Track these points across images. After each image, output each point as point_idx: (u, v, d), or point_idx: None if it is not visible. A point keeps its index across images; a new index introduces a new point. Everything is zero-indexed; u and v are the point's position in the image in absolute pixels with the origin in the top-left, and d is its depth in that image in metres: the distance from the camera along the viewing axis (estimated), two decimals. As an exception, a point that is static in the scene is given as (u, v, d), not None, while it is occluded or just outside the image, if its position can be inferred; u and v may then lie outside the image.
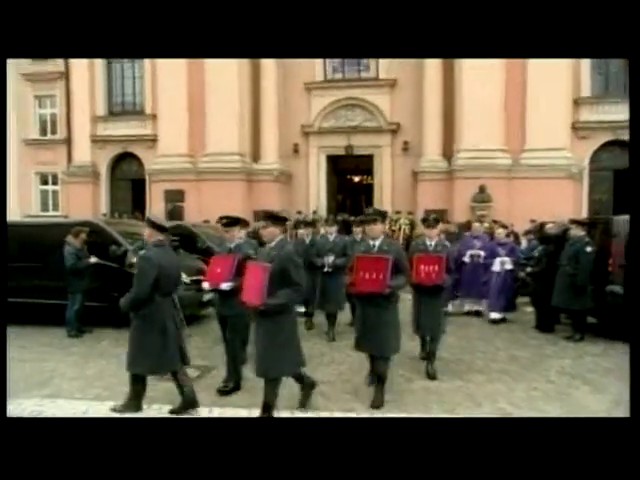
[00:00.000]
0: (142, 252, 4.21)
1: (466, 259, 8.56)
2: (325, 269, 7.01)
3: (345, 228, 10.40)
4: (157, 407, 4.28)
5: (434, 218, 5.69)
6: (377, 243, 4.43)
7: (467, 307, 8.77)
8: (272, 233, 3.88)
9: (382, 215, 4.78)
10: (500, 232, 8.62)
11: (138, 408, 4.16)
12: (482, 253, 8.44)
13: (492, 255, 8.30)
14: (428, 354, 5.44)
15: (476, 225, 9.34)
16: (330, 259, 6.98)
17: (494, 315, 8.11)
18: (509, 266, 8.19)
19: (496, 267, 8.19)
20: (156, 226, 4.16)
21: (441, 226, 6.67)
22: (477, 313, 8.62)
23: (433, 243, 5.35)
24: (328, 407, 4.35)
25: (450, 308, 8.25)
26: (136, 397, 4.17)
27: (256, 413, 3.92)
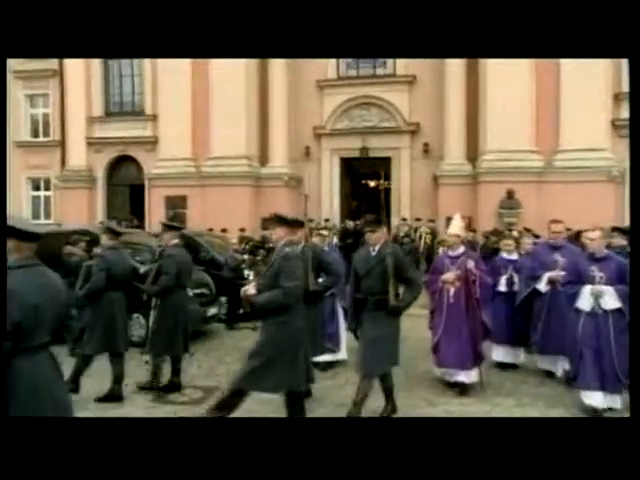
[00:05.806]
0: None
1: (542, 287, 5.48)
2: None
3: (354, 239, 9.89)
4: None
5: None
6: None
7: (541, 364, 5.99)
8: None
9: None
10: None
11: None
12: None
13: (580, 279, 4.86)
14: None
15: (557, 227, 5.82)
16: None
17: (600, 401, 4.68)
18: (617, 304, 4.67)
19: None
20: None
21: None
22: (549, 374, 5.93)
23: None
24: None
25: (522, 358, 6.24)
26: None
27: None
